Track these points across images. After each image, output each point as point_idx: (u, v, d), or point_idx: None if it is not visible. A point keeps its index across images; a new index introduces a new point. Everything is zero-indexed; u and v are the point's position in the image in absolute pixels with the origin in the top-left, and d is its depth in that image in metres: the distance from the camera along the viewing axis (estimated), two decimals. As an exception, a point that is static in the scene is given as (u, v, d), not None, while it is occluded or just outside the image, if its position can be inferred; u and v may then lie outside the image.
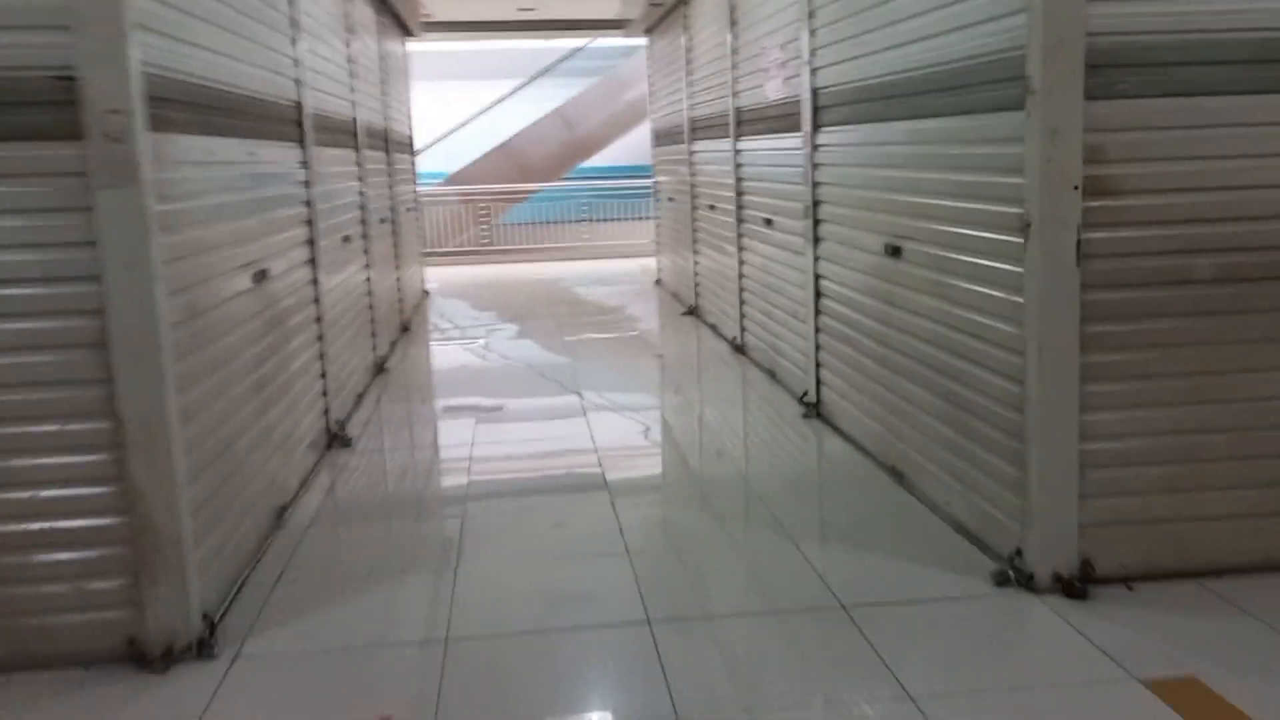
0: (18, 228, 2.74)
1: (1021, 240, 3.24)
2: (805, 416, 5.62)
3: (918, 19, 3.97)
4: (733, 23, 7.17)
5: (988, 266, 3.52)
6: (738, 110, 7.22)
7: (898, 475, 4.44)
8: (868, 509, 4.24)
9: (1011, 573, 3.37)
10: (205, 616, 3.06)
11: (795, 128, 5.63)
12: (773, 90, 6.23)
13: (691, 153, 9.12)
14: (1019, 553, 3.37)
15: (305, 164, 5.08)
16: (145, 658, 2.92)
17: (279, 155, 4.60)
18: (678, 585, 3.52)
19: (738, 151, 7.29)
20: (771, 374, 6.61)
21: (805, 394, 5.73)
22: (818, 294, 5.49)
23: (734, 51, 7.21)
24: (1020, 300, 3.29)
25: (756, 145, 6.81)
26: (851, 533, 4.00)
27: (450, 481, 4.92)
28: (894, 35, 4.21)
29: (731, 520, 4.21)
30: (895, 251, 4.31)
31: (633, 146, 17.62)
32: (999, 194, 3.40)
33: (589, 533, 4.03)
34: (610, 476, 4.73)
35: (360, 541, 4.07)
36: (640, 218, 15.56)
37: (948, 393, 3.88)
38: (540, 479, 4.99)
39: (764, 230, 6.65)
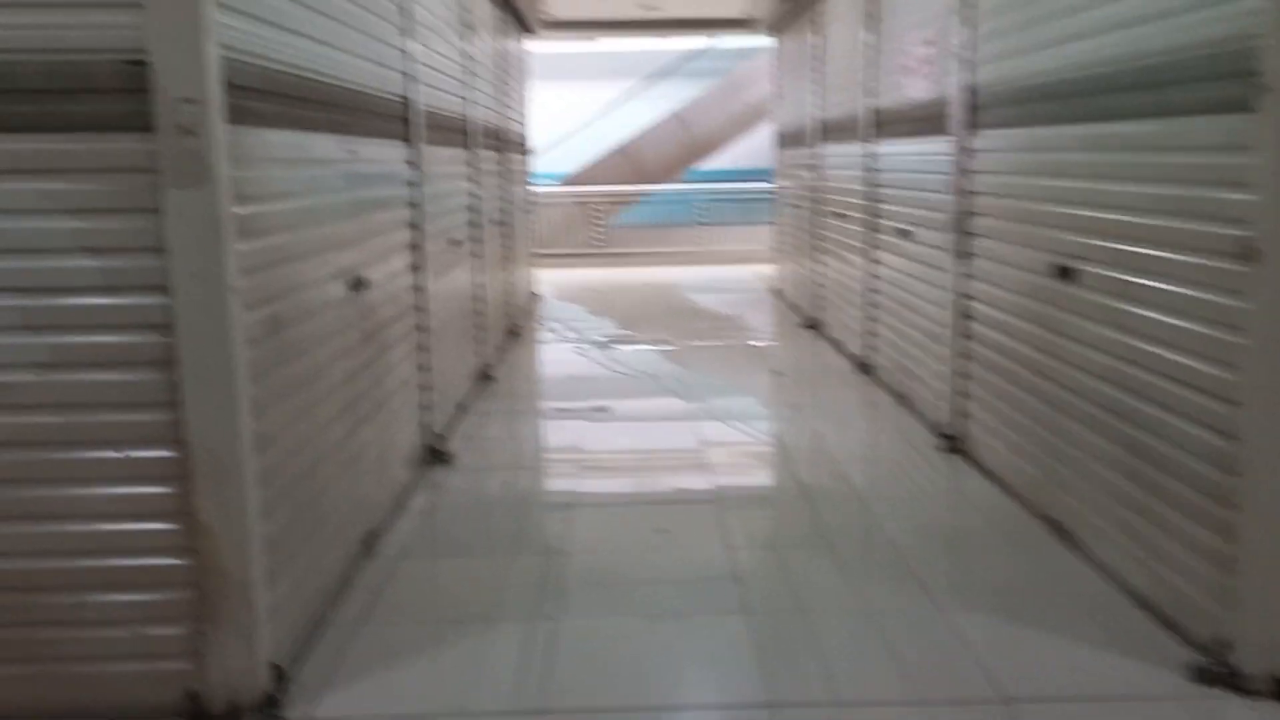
0: (78, 230, 2.43)
1: (1240, 268, 2.68)
2: (942, 450, 5.07)
3: (1105, 6, 3.42)
4: (868, 15, 6.63)
5: (1189, 297, 2.95)
6: (872, 111, 6.68)
7: (1057, 528, 3.88)
8: (1023, 568, 3.67)
9: (1215, 667, 2.79)
10: (276, 668, 2.73)
11: (941, 130, 5.09)
12: (915, 89, 5.68)
13: (818, 156, 8.60)
14: (1225, 643, 2.79)
15: (412, 163, 4.78)
16: (206, 715, 2.60)
17: (383, 154, 4.29)
18: (802, 659, 3.04)
19: (871, 156, 6.75)
20: (902, 399, 6.06)
21: (943, 425, 5.18)
22: (964, 315, 4.93)
23: (870, 48, 6.67)
24: (1233, 339, 2.73)
25: (893, 149, 6.26)
26: (1005, 598, 3.44)
27: (555, 505, 4.54)
28: (1073, 25, 3.66)
29: (861, 572, 3.69)
30: (1065, 273, 3.75)
31: (750, 149, 17.15)
32: (1209, 211, 2.84)
33: (703, 581, 3.58)
34: (728, 511, 4.28)
35: (455, 576, 3.72)
36: (756, 223, 15.05)
37: (1128, 441, 3.31)
38: (651, 507, 4.53)
39: (898, 242, 6.10)
